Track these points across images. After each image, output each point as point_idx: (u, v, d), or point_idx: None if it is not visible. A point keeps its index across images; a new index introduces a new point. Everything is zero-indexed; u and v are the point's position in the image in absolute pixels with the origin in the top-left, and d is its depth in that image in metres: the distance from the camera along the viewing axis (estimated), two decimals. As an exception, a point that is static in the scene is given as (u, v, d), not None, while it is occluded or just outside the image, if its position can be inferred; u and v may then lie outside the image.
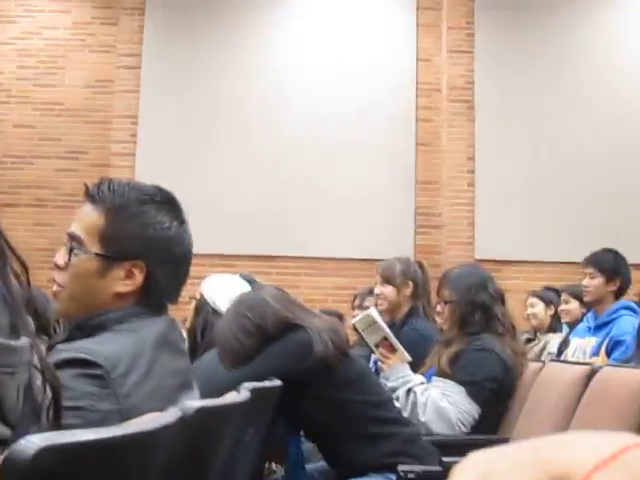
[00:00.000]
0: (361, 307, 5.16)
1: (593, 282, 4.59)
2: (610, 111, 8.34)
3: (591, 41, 8.56)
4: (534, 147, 8.34)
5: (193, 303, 3.52)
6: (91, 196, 1.81)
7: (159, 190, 1.86)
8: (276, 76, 8.48)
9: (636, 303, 4.69)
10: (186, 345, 3.45)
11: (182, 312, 3.66)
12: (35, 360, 1.26)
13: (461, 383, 3.37)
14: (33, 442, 0.86)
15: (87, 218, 1.79)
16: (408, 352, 3.54)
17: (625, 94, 8.40)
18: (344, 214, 8.19)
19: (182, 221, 1.86)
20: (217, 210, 8.14)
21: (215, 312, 3.31)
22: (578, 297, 5.21)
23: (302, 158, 8.26)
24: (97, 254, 1.76)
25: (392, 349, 3.49)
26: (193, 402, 1.47)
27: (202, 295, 3.47)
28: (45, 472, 0.87)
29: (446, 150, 8.35)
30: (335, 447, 2.95)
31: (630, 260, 4.79)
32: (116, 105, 8.54)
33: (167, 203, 1.85)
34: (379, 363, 3.54)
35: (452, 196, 8.30)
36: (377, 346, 3.51)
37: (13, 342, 1.18)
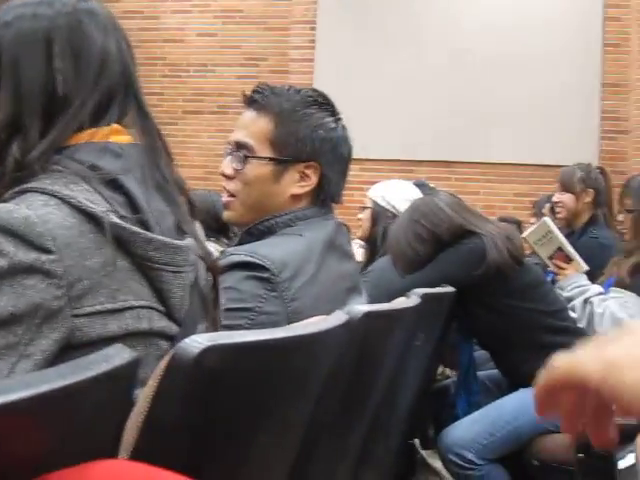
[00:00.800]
0: (539, 215, 5.03)
1: None
2: None
3: None
4: None
5: (367, 211, 3.53)
6: (255, 102, 1.82)
7: (317, 92, 1.86)
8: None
9: None
10: (359, 251, 3.48)
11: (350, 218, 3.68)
12: (200, 259, 1.29)
13: (642, 295, 3.25)
14: (198, 341, 0.88)
15: (254, 124, 1.80)
16: (586, 262, 3.44)
17: None
18: (525, 118, 7.94)
19: (341, 121, 1.87)
20: (395, 115, 8.07)
21: (396, 217, 3.31)
22: None
23: (481, 59, 8.02)
24: (271, 159, 1.78)
25: (568, 259, 3.40)
26: (361, 306, 1.49)
27: (377, 202, 3.47)
28: (209, 371, 0.89)
29: (636, 51, 7.91)
30: (507, 355, 2.93)
31: None
32: (294, 11, 8.55)
33: (327, 104, 1.85)
34: (555, 274, 3.46)
35: (640, 100, 7.89)
36: (552, 257, 3.43)
37: (178, 241, 1.22)
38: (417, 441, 3.33)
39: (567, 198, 4.12)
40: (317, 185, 1.80)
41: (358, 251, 3.50)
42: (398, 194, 3.44)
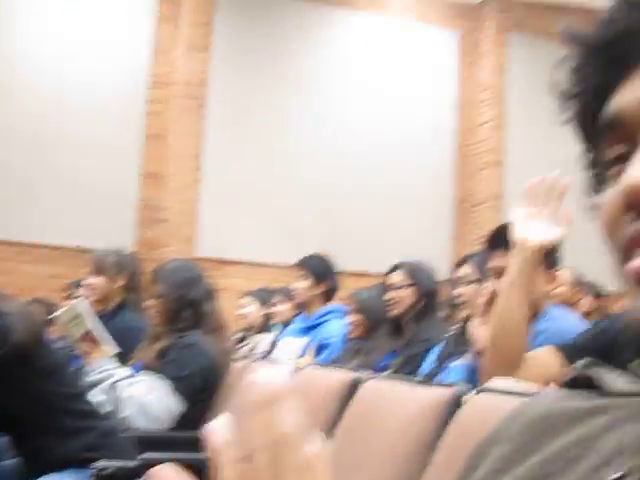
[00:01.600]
0: (72, 297, 5.01)
1: (303, 284, 4.74)
2: (338, 124, 8.67)
3: (328, 51, 8.84)
4: (260, 150, 8.48)
5: None
6: None
7: None
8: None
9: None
10: None
11: None
12: None
13: (167, 378, 3.35)
14: None
15: None
16: (117, 345, 3.48)
17: (356, 107, 8.76)
18: (68, 200, 7.94)
19: None
20: None
21: None
22: (290, 298, 5.35)
23: (34, 142, 7.93)
24: None
25: (97, 342, 3.41)
26: None
27: None
28: None
29: (174, 145, 8.30)
30: (30, 441, 2.83)
31: (339, 267, 4.99)
32: None
33: None
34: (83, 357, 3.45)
35: (177, 192, 8.26)
36: (81, 340, 3.42)
37: None
38: None
39: (99, 281, 4.17)
40: None
41: None
42: None
